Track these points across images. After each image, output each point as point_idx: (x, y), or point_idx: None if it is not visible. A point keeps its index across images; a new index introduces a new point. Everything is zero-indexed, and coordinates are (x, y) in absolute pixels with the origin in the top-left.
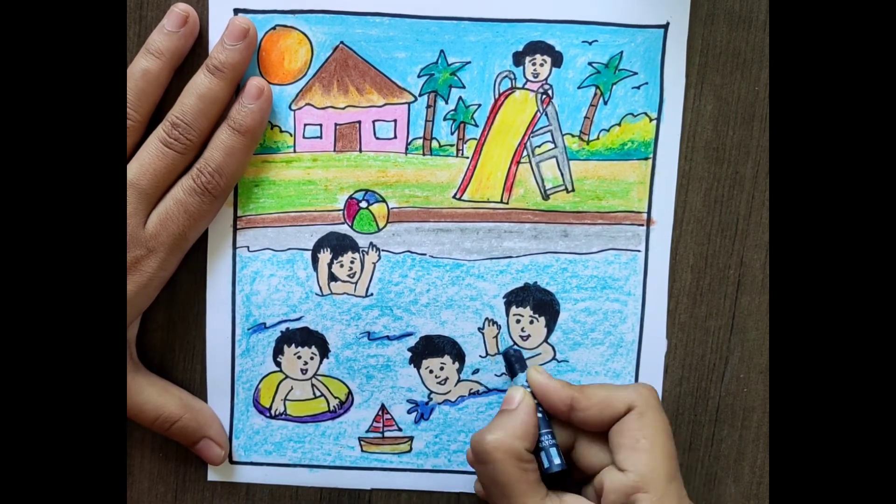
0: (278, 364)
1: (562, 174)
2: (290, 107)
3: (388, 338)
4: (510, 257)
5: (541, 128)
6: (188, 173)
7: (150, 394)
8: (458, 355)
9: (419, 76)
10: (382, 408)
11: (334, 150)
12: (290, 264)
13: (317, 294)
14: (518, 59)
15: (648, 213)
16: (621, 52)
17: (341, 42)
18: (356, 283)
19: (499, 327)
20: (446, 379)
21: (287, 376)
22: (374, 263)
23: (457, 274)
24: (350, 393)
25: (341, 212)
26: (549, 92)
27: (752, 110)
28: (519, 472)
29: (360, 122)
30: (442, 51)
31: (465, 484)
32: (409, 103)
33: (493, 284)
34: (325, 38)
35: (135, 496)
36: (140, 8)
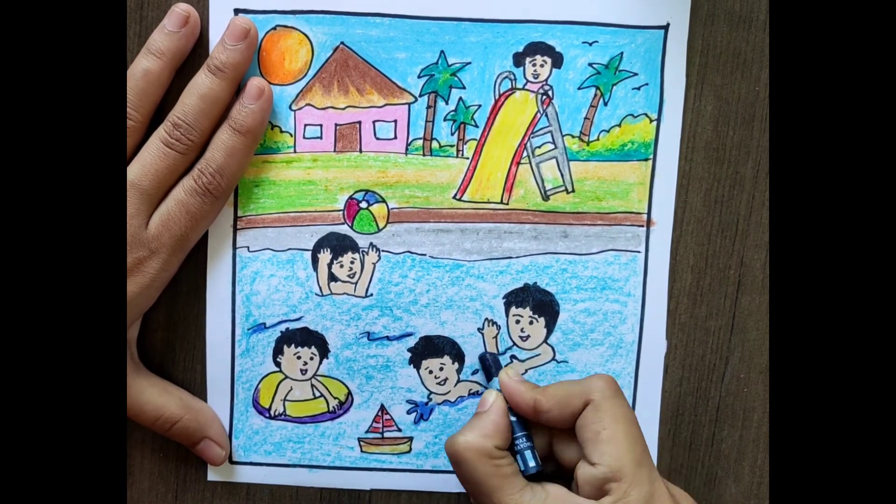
0: (278, 364)
1: (562, 175)
2: (290, 107)
3: (387, 338)
4: (510, 258)
5: (541, 128)
6: (189, 174)
7: (151, 394)
8: (458, 356)
9: (419, 77)
10: (382, 408)
11: (334, 151)
12: (290, 264)
13: (317, 294)
14: (518, 59)
15: (648, 213)
16: (621, 53)
17: (342, 42)
18: (356, 283)
19: (498, 328)
20: (446, 379)
21: (287, 376)
22: (374, 264)
23: (457, 274)
24: (350, 393)
25: (341, 212)
26: (550, 93)
27: (752, 110)
28: (491, 468)
29: (360, 122)
30: (442, 51)
31: None
32: (409, 104)
33: (492, 285)
34: (326, 39)
35: (135, 496)
36: (140, 8)
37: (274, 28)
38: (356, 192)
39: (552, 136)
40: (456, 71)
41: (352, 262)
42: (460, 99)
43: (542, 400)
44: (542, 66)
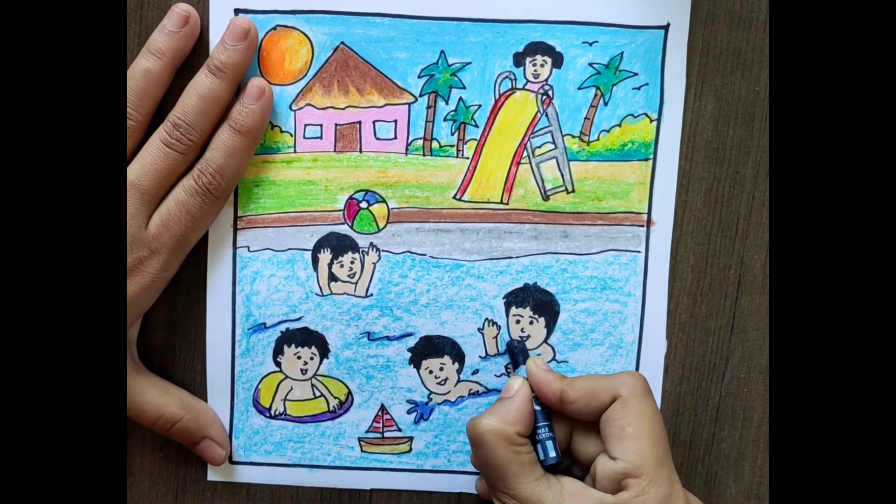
0: (278, 364)
1: (562, 175)
2: (290, 107)
3: (387, 338)
4: (510, 258)
5: (541, 128)
6: (189, 174)
7: (151, 394)
8: (458, 356)
9: (419, 77)
10: (382, 408)
11: (334, 151)
12: (290, 264)
13: (317, 294)
14: (518, 59)
15: (648, 213)
16: (622, 53)
17: (342, 42)
18: (356, 283)
19: (499, 328)
20: (446, 379)
21: (287, 376)
22: (374, 264)
23: (457, 274)
24: (350, 393)
25: (341, 212)
26: (550, 93)
27: (752, 110)
28: (511, 454)
29: (360, 122)
30: (442, 51)
31: (465, 484)
32: (409, 104)
33: (492, 285)
34: (326, 39)
35: (135, 496)
36: (140, 8)
37: (274, 28)
38: (356, 192)
39: (552, 136)
40: (456, 71)
41: (352, 262)
42: (460, 99)
43: (570, 391)
44: (542, 66)
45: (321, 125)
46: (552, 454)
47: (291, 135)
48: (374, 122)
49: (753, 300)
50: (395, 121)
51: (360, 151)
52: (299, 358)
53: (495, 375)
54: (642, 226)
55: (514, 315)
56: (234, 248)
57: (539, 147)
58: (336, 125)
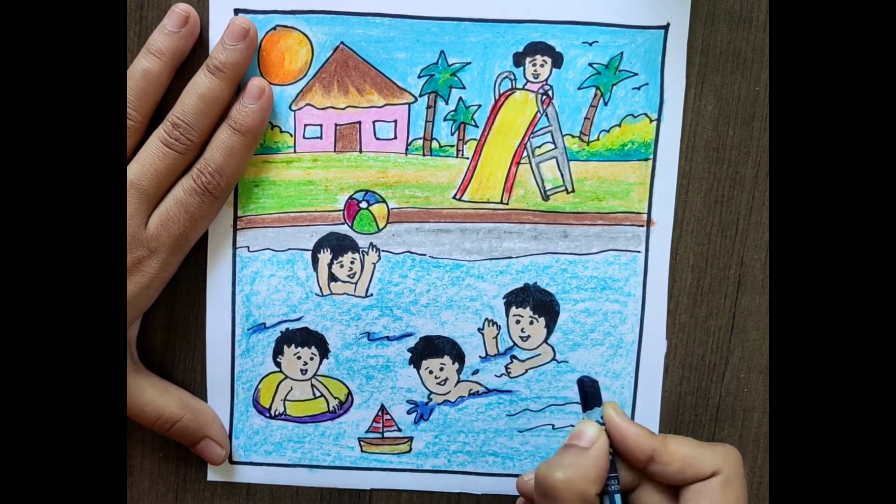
0: (278, 364)
1: (562, 175)
2: (290, 107)
3: (387, 338)
4: (510, 258)
5: (541, 128)
6: (189, 173)
7: (151, 394)
8: (458, 356)
9: (419, 77)
10: (382, 408)
11: (334, 151)
12: (290, 264)
13: (317, 294)
14: (518, 59)
15: (648, 214)
16: (621, 53)
17: (342, 42)
18: (356, 283)
19: (498, 328)
20: (446, 379)
21: (287, 376)
22: (374, 264)
23: (457, 274)
24: (350, 393)
25: (341, 212)
26: (550, 93)
27: (752, 110)
28: None
29: (360, 122)
30: (442, 51)
31: (465, 484)
32: (409, 104)
33: (492, 285)
34: (326, 39)
35: (135, 496)
36: (140, 8)
37: (274, 28)
38: (356, 192)
39: (552, 135)
40: (456, 71)
41: (352, 262)
42: (460, 99)
43: (664, 453)
44: (542, 66)
45: (321, 125)
46: None
47: (291, 135)
48: (373, 122)
49: (753, 300)
50: (395, 121)
51: (360, 151)
52: (299, 358)
53: (495, 376)
54: (642, 226)
55: (514, 315)
56: (234, 248)
57: (539, 147)
58: (336, 125)
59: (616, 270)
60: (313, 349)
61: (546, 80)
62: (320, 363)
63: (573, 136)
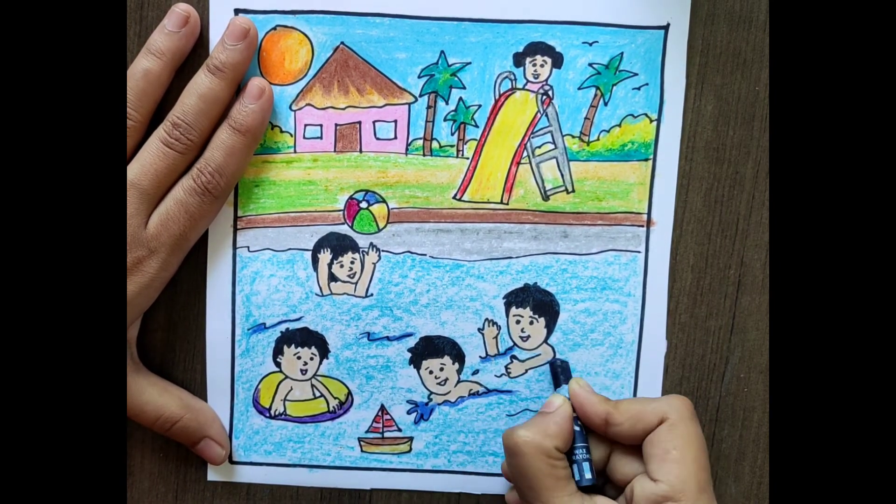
0: (278, 364)
1: (562, 175)
2: (290, 107)
3: (387, 338)
4: (510, 258)
5: (541, 129)
6: (189, 173)
7: (151, 394)
8: (458, 356)
9: (419, 77)
10: (382, 408)
11: (335, 151)
12: (290, 264)
13: (317, 294)
14: (518, 59)
15: (648, 214)
16: (622, 53)
17: (342, 42)
18: (356, 283)
19: (499, 328)
20: (446, 380)
21: (287, 376)
22: (374, 264)
23: (457, 274)
24: (350, 393)
25: (341, 212)
26: (550, 93)
27: (752, 110)
28: (547, 467)
29: (360, 122)
30: (442, 51)
31: (465, 484)
32: (409, 104)
33: (492, 285)
34: (326, 39)
35: (135, 496)
36: (140, 8)
37: (274, 28)
38: (356, 192)
39: (552, 136)
40: (456, 71)
41: (352, 262)
42: (460, 99)
43: (616, 413)
44: (542, 66)
45: (321, 125)
46: (588, 476)
47: (291, 135)
48: (374, 123)
49: (753, 300)
50: (395, 121)
51: (360, 151)
52: (299, 358)
53: (495, 376)
54: (642, 226)
55: (514, 315)
56: (234, 248)
57: (539, 147)
58: (336, 125)
59: (616, 270)
60: (313, 349)
61: (546, 80)
62: (320, 363)
63: (573, 137)
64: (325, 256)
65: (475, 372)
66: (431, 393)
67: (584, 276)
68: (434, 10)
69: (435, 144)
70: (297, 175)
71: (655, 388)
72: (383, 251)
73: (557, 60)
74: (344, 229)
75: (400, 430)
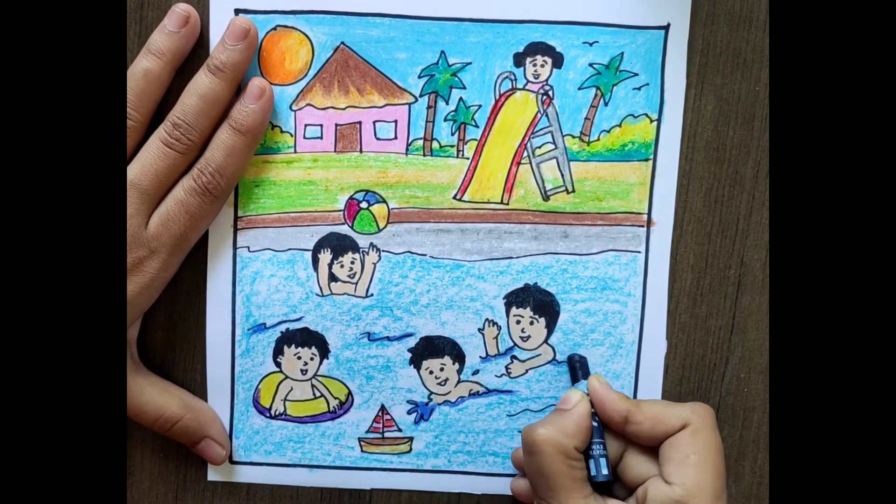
0: (278, 364)
1: (562, 175)
2: (290, 107)
3: (388, 338)
4: (510, 258)
5: (541, 129)
6: (189, 173)
7: (151, 394)
8: (458, 356)
9: (420, 77)
10: (382, 408)
11: (335, 151)
12: (290, 265)
13: (317, 294)
14: (519, 59)
15: (649, 214)
16: (622, 53)
17: (342, 42)
18: (356, 283)
19: (499, 328)
20: (446, 380)
21: (287, 377)
22: (375, 264)
23: (457, 275)
24: (350, 393)
25: (342, 212)
26: (550, 93)
27: (752, 110)
28: (565, 467)
29: (360, 122)
30: (442, 51)
31: (465, 484)
32: (409, 104)
33: (493, 285)
34: (326, 39)
35: (135, 496)
36: (140, 8)
37: (274, 28)
38: (356, 192)
39: (552, 136)
40: (456, 71)
41: (352, 263)
42: (461, 99)
43: (637, 412)
44: (542, 66)
45: (321, 125)
46: (604, 471)
47: (292, 135)
48: (374, 123)
49: (753, 300)
50: (396, 121)
51: (361, 151)
52: (299, 358)
53: (496, 376)
54: (642, 226)
55: (514, 315)
56: (234, 248)
57: (539, 147)
58: (336, 125)
59: (616, 271)
60: (313, 349)
61: (546, 80)
62: (320, 363)
63: (573, 137)
64: (325, 256)
65: (475, 372)
66: (431, 393)
67: (584, 276)
68: (434, 10)
69: (435, 144)
70: (298, 175)
71: (655, 388)
72: (383, 251)
73: (558, 60)
74: (344, 229)
75: (400, 430)
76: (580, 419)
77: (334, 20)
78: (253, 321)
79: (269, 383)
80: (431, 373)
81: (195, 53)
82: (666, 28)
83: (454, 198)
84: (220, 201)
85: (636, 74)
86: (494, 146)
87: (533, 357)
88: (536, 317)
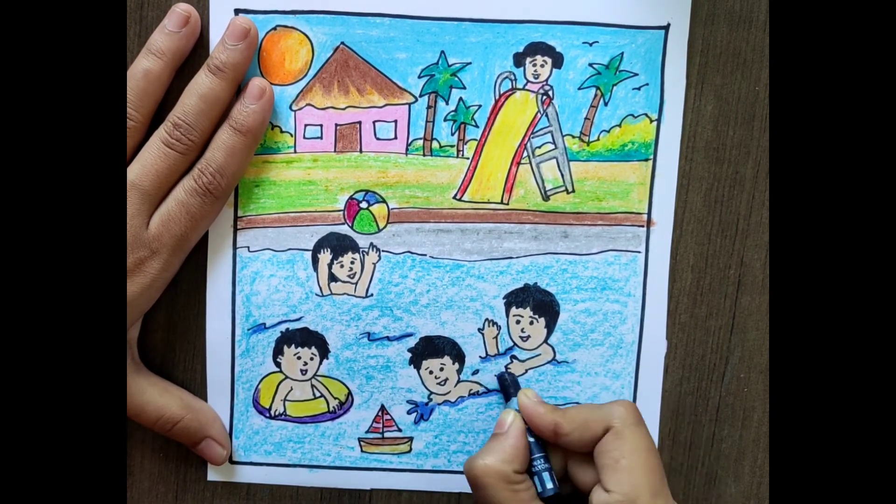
0: (278, 364)
1: (562, 175)
2: (290, 107)
3: (387, 338)
4: (510, 258)
5: (541, 129)
6: (189, 174)
7: (152, 395)
8: (458, 356)
9: (420, 77)
10: (382, 408)
11: (335, 151)
12: (290, 265)
13: (317, 294)
14: (518, 59)
15: (648, 214)
16: (622, 53)
17: (342, 42)
18: (356, 283)
19: (499, 328)
20: (446, 380)
21: (287, 377)
22: (375, 264)
23: (457, 275)
24: (350, 393)
25: (341, 212)
26: (550, 93)
27: (752, 110)
28: (510, 493)
29: (360, 122)
30: (442, 51)
31: (465, 484)
32: (409, 104)
33: (493, 285)
34: (326, 39)
35: (135, 496)
36: (140, 8)
37: (274, 28)
38: (356, 192)
39: (552, 136)
40: (456, 71)
41: (352, 263)
42: (460, 99)
43: (563, 423)
44: (542, 66)
45: (321, 125)
46: (549, 486)
47: (291, 135)
48: (374, 123)
49: (753, 300)
50: (396, 121)
51: (361, 151)
52: (299, 358)
53: (495, 376)
54: (642, 226)
55: (514, 315)
56: (234, 248)
57: (539, 147)
58: (336, 125)
59: (616, 271)
60: (313, 349)
61: (546, 80)
62: (320, 363)
63: (573, 137)
64: (325, 256)
65: (475, 372)
66: (431, 393)
67: (584, 276)
68: (434, 10)
69: (435, 144)
70: (297, 175)
71: (655, 388)
72: (383, 251)
73: (557, 60)
74: (344, 229)
75: (400, 430)
76: (515, 441)
77: (334, 20)
78: (253, 321)
79: (269, 383)
80: (431, 373)
81: (195, 53)
82: (666, 28)
83: (454, 198)
84: (221, 201)
85: (636, 74)
86: (494, 146)
87: (533, 357)
88: (536, 317)
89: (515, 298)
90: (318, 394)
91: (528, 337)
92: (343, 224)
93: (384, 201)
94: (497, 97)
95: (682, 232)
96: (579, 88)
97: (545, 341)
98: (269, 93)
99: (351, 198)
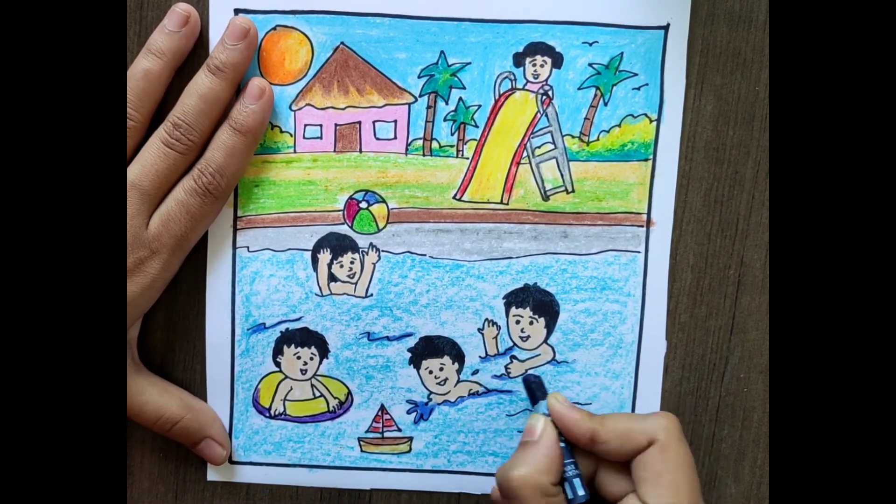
0: (278, 364)
1: (562, 175)
2: (290, 107)
3: (387, 338)
4: (510, 258)
5: (541, 129)
6: (189, 174)
7: (152, 395)
8: (458, 356)
9: (419, 77)
10: (382, 408)
11: (334, 151)
12: (289, 264)
13: (316, 294)
14: (518, 59)
15: (648, 214)
16: (622, 53)
17: (342, 42)
18: (356, 283)
19: (498, 328)
20: (446, 380)
21: (286, 376)
22: (374, 264)
23: (457, 275)
24: (349, 393)
25: (341, 212)
26: (550, 93)
27: (752, 110)
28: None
29: (360, 122)
30: (442, 51)
31: (465, 484)
32: (409, 104)
33: (492, 285)
34: (326, 39)
35: (135, 496)
36: (140, 8)
37: (274, 28)
38: (356, 192)
39: (552, 136)
40: (456, 71)
41: (352, 263)
42: (460, 99)
43: (602, 432)
44: (542, 66)
45: (321, 125)
46: (581, 492)
47: (291, 135)
48: (373, 123)
49: (753, 300)
50: (395, 121)
51: (360, 151)
52: (299, 358)
53: (495, 376)
54: (642, 226)
55: (514, 315)
56: (234, 248)
57: (539, 147)
58: (336, 125)
59: (616, 270)
60: (313, 349)
61: (546, 80)
62: (320, 363)
63: (573, 137)
64: (324, 256)
65: (475, 372)
66: (431, 393)
67: (583, 276)
68: (434, 10)
69: (435, 144)
70: (297, 175)
71: (655, 388)
72: (383, 251)
73: (557, 60)
74: (344, 229)
75: (400, 430)
76: (549, 451)
77: (334, 20)
78: (252, 321)
79: (269, 383)
80: (431, 373)
81: (195, 53)
82: (665, 28)
83: (454, 198)
84: (221, 201)
85: (636, 74)
86: (494, 146)
87: (532, 357)
88: (536, 317)
89: (515, 298)
90: (317, 394)
91: (528, 337)
92: (343, 224)
93: (384, 201)
94: (497, 97)
95: (682, 232)
96: (579, 88)
97: (545, 341)
98: (268, 93)
99: (351, 198)
